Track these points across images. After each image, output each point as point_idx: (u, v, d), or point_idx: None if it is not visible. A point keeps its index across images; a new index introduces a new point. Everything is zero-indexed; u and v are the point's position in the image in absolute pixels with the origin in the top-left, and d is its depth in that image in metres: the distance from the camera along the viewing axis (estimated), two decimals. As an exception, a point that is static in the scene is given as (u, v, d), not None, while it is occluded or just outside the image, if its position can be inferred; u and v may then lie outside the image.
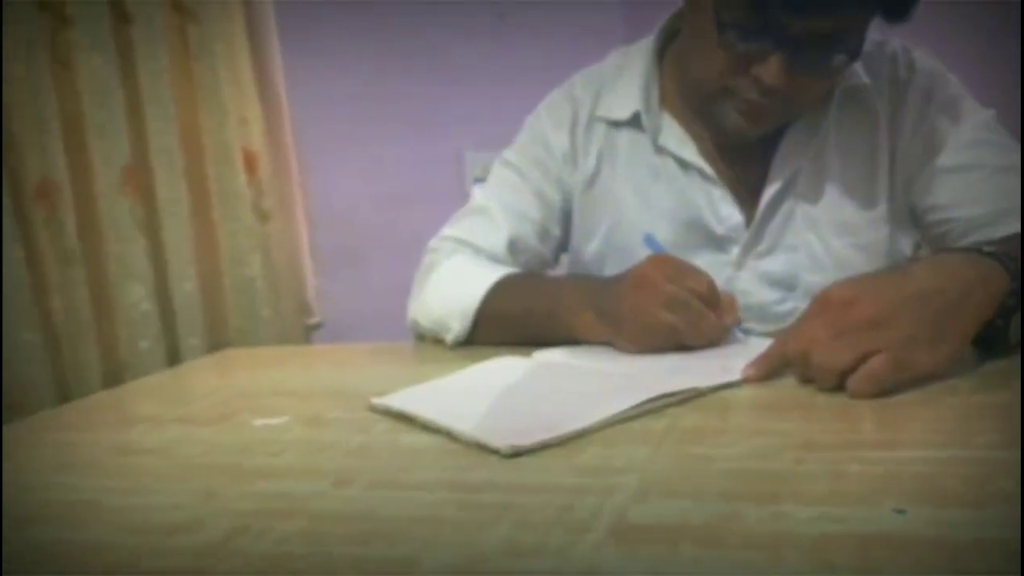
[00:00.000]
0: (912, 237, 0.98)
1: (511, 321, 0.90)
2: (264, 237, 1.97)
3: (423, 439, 0.61)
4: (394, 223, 2.10)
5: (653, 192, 1.00)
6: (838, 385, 0.61)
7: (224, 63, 1.93)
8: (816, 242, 0.96)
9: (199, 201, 1.91)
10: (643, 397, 0.61)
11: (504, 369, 0.76)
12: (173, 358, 1.84)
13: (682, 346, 0.77)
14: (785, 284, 0.98)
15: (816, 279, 0.96)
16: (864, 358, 0.60)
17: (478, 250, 1.03)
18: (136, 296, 1.80)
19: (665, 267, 0.77)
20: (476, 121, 2.08)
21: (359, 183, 2.13)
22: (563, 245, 1.09)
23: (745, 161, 0.97)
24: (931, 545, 0.37)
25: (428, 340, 1.00)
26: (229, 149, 1.92)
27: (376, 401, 0.70)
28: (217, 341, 1.91)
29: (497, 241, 1.03)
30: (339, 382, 0.85)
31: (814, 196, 0.96)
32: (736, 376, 0.67)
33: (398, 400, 0.69)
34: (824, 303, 0.64)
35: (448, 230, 1.07)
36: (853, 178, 0.95)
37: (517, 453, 0.54)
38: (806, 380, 0.64)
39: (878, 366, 0.59)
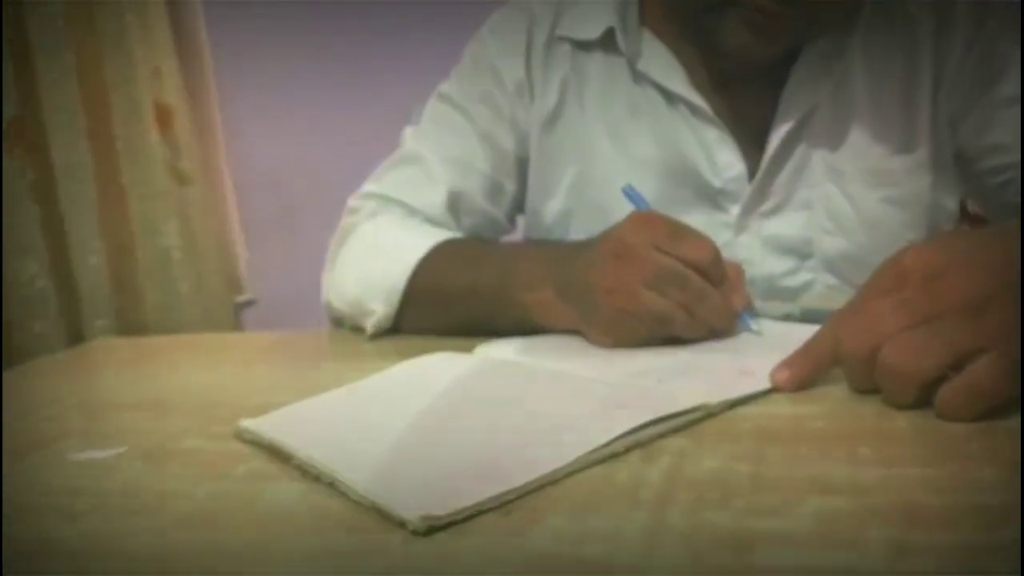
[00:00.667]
0: (958, 189, 0.78)
1: (449, 301, 0.69)
2: (182, 203, 1.73)
3: (294, 493, 0.40)
4: (334, 187, 1.85)
5: (631, 133, 0.79)
6: (921, 399, 0.41)
7: (132, 7, 1.67)
8: (838, 196, 0.76)
9: (104, 162, 1.66)
10: (627, 425, 0.40)
11: (430, 375, 0.55)
12: (76, 342, 1.60)
13: (673, 338, 0.57)
14: (798, 250, 0.77)
15: (837, 243, 0.76)
16: (960, 359, 0.40)
17: (410, 210, 0.81)
18: (28, 272, 1.55)
19: (652, 229, 0.56)
20: (426, 72, 1.84)
21: (293, 142, 1.89)
22: (519, 203, 0.87)
23: (748, 94, 0.76)
24: None
25: (348, 326, 0.79)
26: (139, 103, 1.67)
27: (245, 425, 0.49)
28: (129, 322, 1.67)
29: (433, 198, 0.81)
30: (217, 389, 0.63)
31: (836, 138, 0.75)
32: (761, 384, 0.46)
33: (274, 425, 0.48)
34: (897, 274, 0.43)
35: (371, 185, 0.85)
36: (886, 114, 0.75)
37: (433, 527, 0.33)
38: (864, 388, 0.44)
39: (986, 373, 0.39)
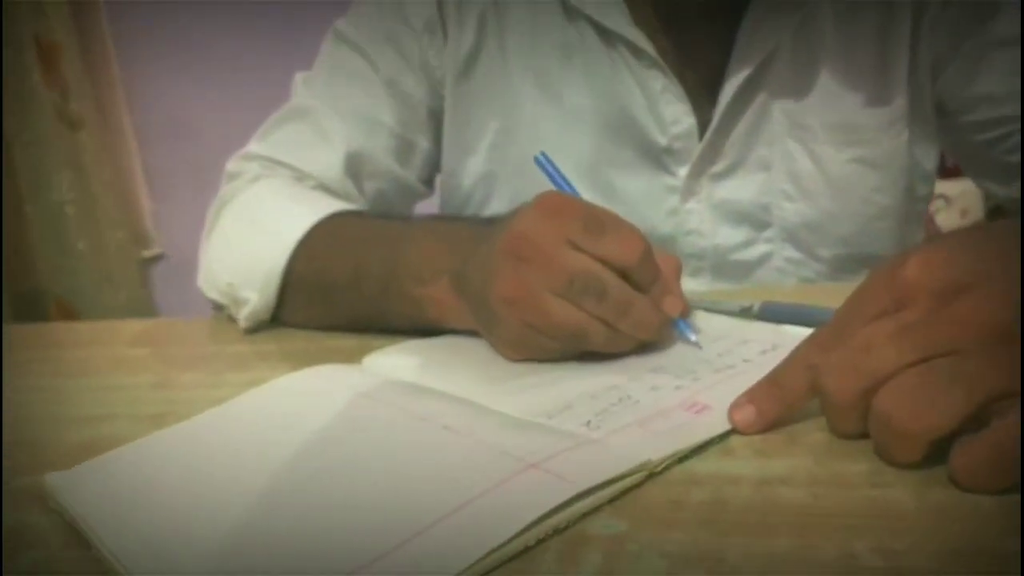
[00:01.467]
0: (937, 146, 0.68)
1: (331, 292, 0.57)
2: (75, 151, 1.56)
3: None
4: (247, 127, 1.70)
5: (562, 79, 0.66)
6: (928, 455, 0.31)
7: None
8: (802, 155, 0.65)
9: (-21, 106, 1.47)
10: (545, 505, 0.29)
11: (300, 407, 0.43)
12: (-41, 310, 1.44)
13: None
14: (754, 218, 0.67)
15: (800, 210, 0.66)
16: (984, 409, 0.29)
17: (300, 175, 0.68)
18: None
19: (563, 218, 0.43)
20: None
21: (201, 82, 1.71)
22: (435, 163, 0.75)
23: (699, 34, 0.64)
24: None
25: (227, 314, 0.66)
26: (17, 40, 1.47)
27: (50, 483, 0.37)
28: (21, 287, 1.51)
29: (328, 160, 0.68)
30: (41, 414, 0.50)
31: (800, 87, 0.64)
32: (717, 426, 0.36)
33: (81, 486, 0.37)
34: (895, 288, 0.33)
35: (255, 144, 0.71)
36: (859, 58, 0.64)
37: None
38: (850, 435, 0.34)
39: (1018, 429, 0.29)
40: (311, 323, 0.59)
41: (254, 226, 0.62)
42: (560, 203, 0.44)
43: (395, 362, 0.48)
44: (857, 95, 0.63)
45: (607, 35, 0.64)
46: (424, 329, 0.52)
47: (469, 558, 0.27)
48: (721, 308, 0.52)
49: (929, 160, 0.67)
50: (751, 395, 0.36)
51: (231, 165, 0.71)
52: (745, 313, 0.51)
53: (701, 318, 0.51)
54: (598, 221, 0.43)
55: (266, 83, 1.69)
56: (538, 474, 0.32)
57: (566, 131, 0.67)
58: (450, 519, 0.30)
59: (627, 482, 0.32)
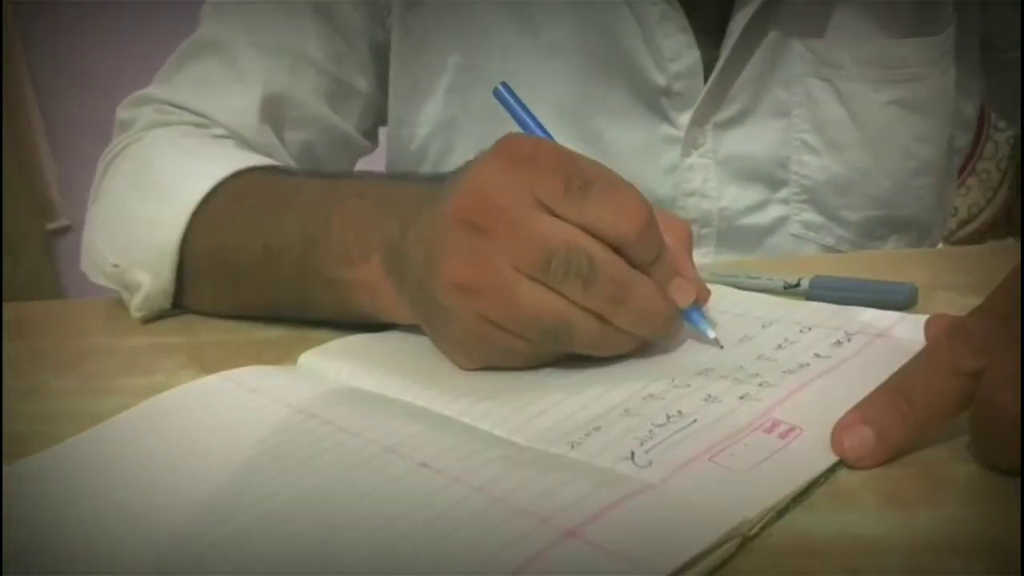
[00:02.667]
0: (979, 89, 0.58)
1: (238, 272, 0.44)
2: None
3: None
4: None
5: (539, 5, 0.54)
6: None
7: None
8: (829, 98, 0.55)
9: None
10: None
11: (204, 433, 0.31)
12: None
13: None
14: (768, 176, 0.57)
15: (824, 165, 0.56)
16: None
17: (205, 122, 0.55)
18: None
19: (534, 171, 0.31)
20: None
21: (109, 25, 1.54)
22: (379, 109, 0.62)
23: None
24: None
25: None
26: None
27: None
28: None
29: (241, 103, 0.55)
30: None
31: (826, 15, 0.54)
32: (821, 460, 0.25)
33: None
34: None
35: (153, 86, 0.58)
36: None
37: None
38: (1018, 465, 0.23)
39: None
40: (219, 311, 0.46)
41: (142, 189, 0.48)
42: (530, 150, 0.32)
43: (342, 364, 0.36)
44: (898, 23, 0.53)
45: (596, -48, 0.53)
46: (355, 322, 0.40)
47: None
48: (758, 285, 0.41)
49: (970, 105, 0.58)
50: (865, 412, 0.25)
51: (121, 111, 0.57)
52: (791, 291, 0.40)
53: (732, 298, 0.40)
54: (583, 175, 0.31)
55: (183, 28, 1.53)
56: (578, 546, 0.21)
57: (543, 68, 0.55)
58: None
59: (717, 556, 0.21)
